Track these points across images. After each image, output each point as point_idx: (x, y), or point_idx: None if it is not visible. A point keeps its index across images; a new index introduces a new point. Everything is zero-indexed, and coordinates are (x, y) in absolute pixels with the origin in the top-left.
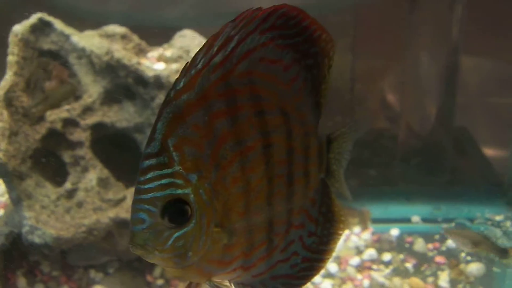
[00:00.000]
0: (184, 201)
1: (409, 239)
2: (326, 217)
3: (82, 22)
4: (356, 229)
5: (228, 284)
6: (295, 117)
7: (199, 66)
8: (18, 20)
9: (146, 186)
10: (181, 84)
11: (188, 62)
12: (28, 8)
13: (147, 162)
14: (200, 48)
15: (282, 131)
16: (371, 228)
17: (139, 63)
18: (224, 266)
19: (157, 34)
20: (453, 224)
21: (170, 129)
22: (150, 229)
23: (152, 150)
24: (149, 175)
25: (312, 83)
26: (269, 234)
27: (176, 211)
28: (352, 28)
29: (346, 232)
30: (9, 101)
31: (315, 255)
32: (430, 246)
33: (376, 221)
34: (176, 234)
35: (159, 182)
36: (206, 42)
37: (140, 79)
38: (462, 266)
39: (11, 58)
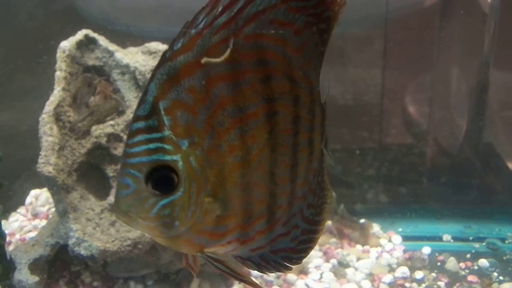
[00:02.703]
0: (171, 168)
1: (440, 257)
2: (320, 187)
3: (115, 36)
4: (388, 246)
5: (222, 255)
6: (303, 84)
7: (201, 26)
8: (57, 36)
9: (133, 150)
10: (179, 45)
11: (187, 22)
12: (64, 24)
13: (136, 125)
14: (203, 7)
15: (288, 99)
16: (403, 246)
17: None
18: (217, 238)
19: None
20: (484, 244)
21: (162, 91)
22: (134, 195)
23: (141, 113)
24: (136, 138)
25: (322, 49)
26: (271, 206)
27: (162, 178)
28: (382, 43)
29: (378, 249)
30: (57, 116)
31: (311, 227)
32: (462, 265)
33: (406, 238)
34: (161, 202)
35: (146, 147)
36: (210, 1)
37: None
38: (495, 285)
39: (59, 74)
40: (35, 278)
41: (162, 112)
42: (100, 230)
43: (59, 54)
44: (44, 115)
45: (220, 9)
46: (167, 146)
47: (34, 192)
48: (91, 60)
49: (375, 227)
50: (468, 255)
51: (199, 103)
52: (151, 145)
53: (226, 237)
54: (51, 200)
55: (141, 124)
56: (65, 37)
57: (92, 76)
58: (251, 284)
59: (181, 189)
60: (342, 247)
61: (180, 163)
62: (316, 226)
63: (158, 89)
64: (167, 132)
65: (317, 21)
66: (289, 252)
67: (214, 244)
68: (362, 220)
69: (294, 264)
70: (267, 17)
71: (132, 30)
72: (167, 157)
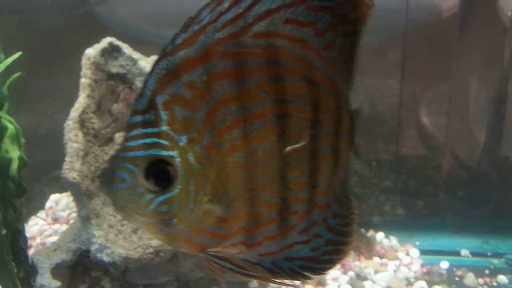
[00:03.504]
0: (168, 164)
1: (458, 272)
2: (346, 196)
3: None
4: (405, 259)
5: (226, 256)
6: (326, 88)
7: (204, 22)
8: (75, 42)
9: (130, 144)
10: (180, 40)
11: (190, 17)
12: (82, 30)
13: (134, 119)
14: (208, 3)
15: (305, 102)
16: (420, 259)
17: None
18: (220, 239)
19: None
20: (502, 260)
21: (160, 86)
22: (130, 190)
23: (139, 107)
24: (133, 133)
25: (349, 52)
26: (282, 212)
27: (158, 174)
28: (400, 54)
29: (396, 262)
30: (82, 123)
31: (340, 238)
32: (481, 280)
33: (424, 252)
34: (159, 199)
35: (142, 141)
36: None
37: None
38: None
39: (84, 81)
40: (57, 283)
41: (160, 107)
42: (122, 237)
43: (84, 61)
44: (69, 121)
45: (226, 5)
46: (163, 142)
47: (54, 197)
48: (114, 67)
49: (393, 240)
50: (487, 271)
51: (198, 99)
52: (148, 140)
53: (230, 239)
54: (71, 205)
55: (138, 118)
56: (83, 43)
57: (116, 84)
58: (263, 279)
59: (178, 186)
60: (359, 260)
61: (177, 159)
62: (345, 238)
63: (156, 84)
64: (164, 127)
65: (342, 22)
66: (309, 262)
67: (217, 245)
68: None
69: (316, 274)
70: (282, 16)
71: (151, 37)
72: (164, 153)
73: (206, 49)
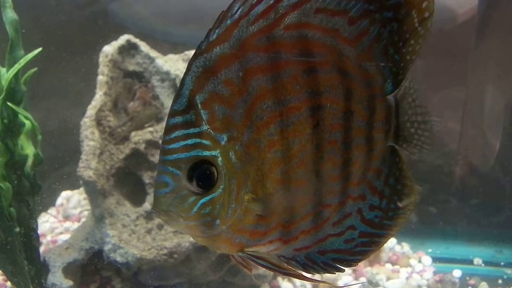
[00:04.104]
0: (211, 164)
1: (471, 281)
2: (394, 190)
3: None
4: (418, 267)
5: (263, 254)
6: (358, 77)
7: (237, 15)
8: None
9: (171, 146)
10: (215, 36)
11: (223, 11)
12: (96, 27)
13: (173, 120)
14: None
15: (338, 92)
16: (433, 267)
17: None
18: (258, 237)
19: None
20: None
21: (198, 85)
22: (174, 194)
23: (178, 107)
24: (174, 134)
25: (390, 38)
26: (317, 205)
27: (201, 175)
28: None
29: (408, 269)
30: (98, 121)
31: (376, 230)
32: None
33: (437, 260)
34: (202, 200)
35: (184, 143)
36: None
37: None
38: None
39: (101, 78)
40: (69, 282)
41: (199, 106)
42: (136, 237)
43: (101, 59)
44: (86, 119)
45: None
46: (205, 141)
47: (65, 194)
48: (131, 65)
49: (405, 247)
50: (500, 281)
51: (236, 95)
52: (189, 141)
53: (267, 236)
54: (83, 202)
55: (178, 119)
56: (94, 40)
57: (132, 82)
58: (297, 276)
59: (221, 186)
60: (371, 265)
61: (220, 158)
62: (383, 231)
63: (194, 82)
64: (205, 127)
65: (380, 9)
66: (342, 254)
67: (255, 243)
68: None
69: (347, 266)
70: (312, 5)
71: (160, 35)
72: (206, 153)
73: (240, 44)
